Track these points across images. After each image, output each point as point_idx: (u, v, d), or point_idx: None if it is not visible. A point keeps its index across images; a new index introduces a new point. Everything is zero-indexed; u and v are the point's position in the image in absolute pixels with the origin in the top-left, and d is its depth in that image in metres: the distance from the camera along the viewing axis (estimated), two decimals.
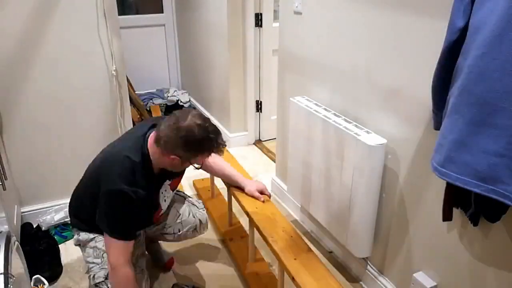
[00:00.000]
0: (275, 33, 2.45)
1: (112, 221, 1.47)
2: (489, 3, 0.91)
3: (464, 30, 0.99)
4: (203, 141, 1.40)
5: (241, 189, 1.86)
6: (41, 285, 1.71)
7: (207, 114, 3.44)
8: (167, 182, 1.63)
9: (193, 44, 3.62)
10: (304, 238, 2.11)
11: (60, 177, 2.18)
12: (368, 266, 1.78)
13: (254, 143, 3.27)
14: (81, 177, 1.63)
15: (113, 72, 2.12)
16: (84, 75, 2.07)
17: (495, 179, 0.95)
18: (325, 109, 1.80)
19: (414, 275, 1.48)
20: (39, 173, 2.13)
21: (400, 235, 1.57)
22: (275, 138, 2.60)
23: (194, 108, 3.77)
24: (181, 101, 3.87)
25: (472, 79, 0.95)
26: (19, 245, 1.51)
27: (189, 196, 1.91)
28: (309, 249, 1.54)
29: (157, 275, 1.89)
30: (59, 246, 2.02)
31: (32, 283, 1.67)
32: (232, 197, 1.95)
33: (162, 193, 1.62)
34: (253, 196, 1.81)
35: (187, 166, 1.53)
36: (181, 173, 1.70)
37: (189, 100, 3.94)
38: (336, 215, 1.75)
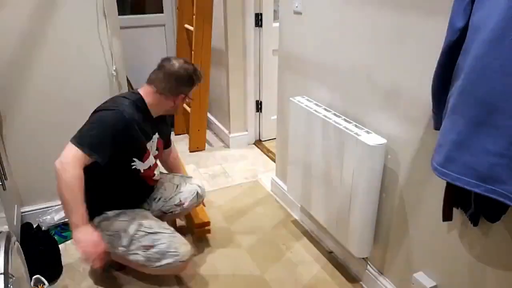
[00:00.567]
0: (275, 33, 2.45)
1: (88, 131, 1.54)
2: (489, 3, 0.91)
3: (464, 30, 0.99)
4: (196, 71, 1.72)
5: None
6: (41, 285, 1.71)
7: (207, 114, 3.44)
8: (157, 135, 1.78)
9: None
10: (304, 237, 2.13)
11: None
12: (368, 266, 1.78)
13: (254, 143, 3.27)
14: None
15: (113, 72, 2.12)
16: (84, 75, 2.07)
17: (495, 179, 0.95)
18: (325, 109, 1.80)
19: (414, 275, 1.48)
20: (39, 173, 2.13)
21: (400, 235, 1.57)
22: (275, 138, 2.60)
23: None
24: None
25: (472, 79, 0.95)
26: (19, 245, 1.51)
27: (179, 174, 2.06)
28: None
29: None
30: (59, 246, 2.02)
31: (32, 283, 1.67)
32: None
33: (151, 143, 1.75)
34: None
35: (182, 105, 1.80)
36: (167, 134, 1.95)
37: None
38: (336, 215, 1.75)
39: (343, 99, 1.75)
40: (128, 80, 2.65)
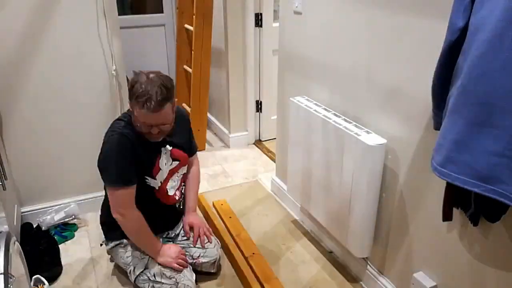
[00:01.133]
0: (275, 33, 2.45)
1: (110, 167, 1.54)
2: (489, 3, 0.91)
3: (464, 30, 0.99)
4: (138, 91, 1.44)
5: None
6: (41, 285, 1.71)
7: (207, 114, 3.44)
8: (168, 147, 1.69)
9: None
10: (304, 237, 2.13)
11: (60, 177, 2.18)
12: (368, 266, 1.78)
13: (254, 143, 3.27)
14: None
15: (113, 72, 2.12)
16: (84, 75, 2.07)
17: (495, 179, 0.95)
18: (325, 109, 1.80)
19: (414, 275, 1.48)
20: (39, 173, 2.13)
21: (400, 235, 1.57)
22: (275, 138, 2.60)
23: None
24: None
25: (472, 79, 0.95)
26: (19, 245, 1.51)
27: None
28: None
29: None
30: (59, 246, 2.02)
31: (32, 283, 1.67)
32: None
33: (162, 156, 1.69)
34: (184, 228, 1.87)
35: (147, 131, 1.54)
36: (184, 141, 1.79)
37: None
38: (336, 215, 1.75)
39: (343, 99, 1.75)
40: (128, 80, 2.65)
